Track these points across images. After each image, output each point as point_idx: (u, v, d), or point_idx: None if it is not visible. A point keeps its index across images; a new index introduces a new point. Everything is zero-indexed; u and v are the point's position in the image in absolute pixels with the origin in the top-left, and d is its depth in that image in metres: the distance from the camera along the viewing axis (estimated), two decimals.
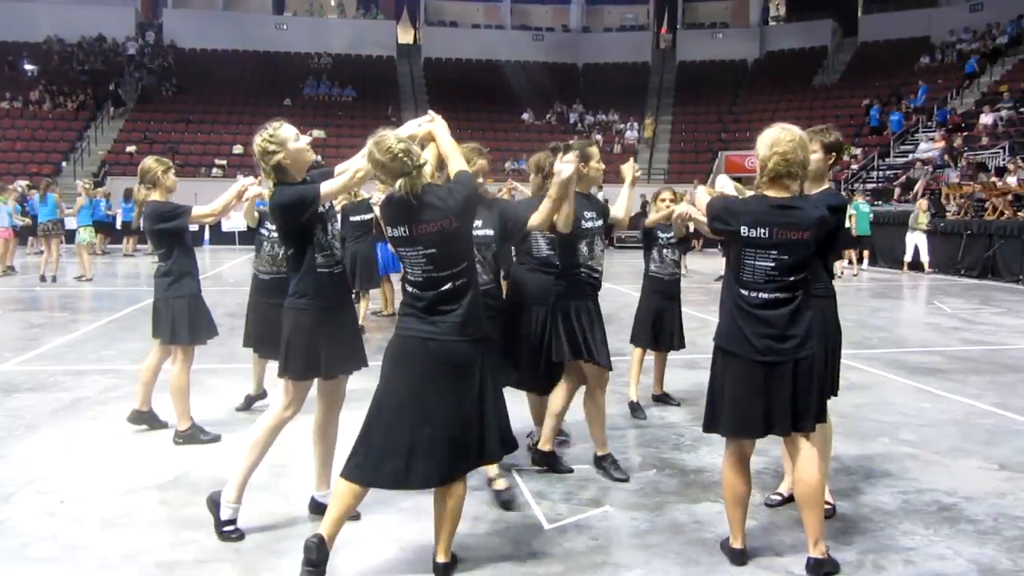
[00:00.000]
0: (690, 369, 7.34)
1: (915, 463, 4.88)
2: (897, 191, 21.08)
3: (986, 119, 22.53)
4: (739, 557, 3.51)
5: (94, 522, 3.91)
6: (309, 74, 33.63)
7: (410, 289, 3.28)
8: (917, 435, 5.44)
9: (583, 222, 4.37)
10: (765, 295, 3.32)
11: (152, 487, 4.38)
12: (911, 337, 9.44)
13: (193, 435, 5.14)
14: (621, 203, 4.79)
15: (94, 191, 16.80)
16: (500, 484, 4.21)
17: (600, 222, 4.54)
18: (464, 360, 3.21)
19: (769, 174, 3.34)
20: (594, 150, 4.54)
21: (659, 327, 6.04)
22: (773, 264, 3.30)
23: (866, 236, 17.95)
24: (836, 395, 4.03)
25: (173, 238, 5.14)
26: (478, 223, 3.99)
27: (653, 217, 5.86)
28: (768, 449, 4.81)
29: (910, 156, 23.41)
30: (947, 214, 17.98)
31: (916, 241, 17.47)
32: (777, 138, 3.32)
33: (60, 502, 4.15)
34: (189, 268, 5.22)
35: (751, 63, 35.53)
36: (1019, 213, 16.42)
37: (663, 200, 5.97)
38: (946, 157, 20.95)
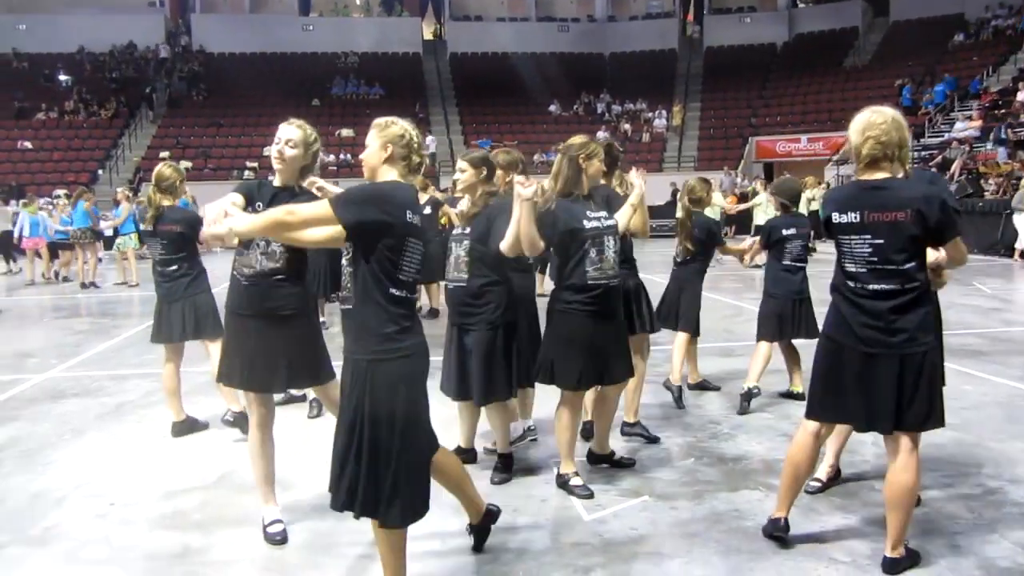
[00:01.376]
0: (725, 357, 7.31)
1: (958, 447, 4.82)
2: (933, 171, 20.72)
3: (1023, 96, 22.04)
4: (775, 525, 3.52)
5: (143, 523, 3.99)
6: (336, 74, 33.85)
7: (397, 293, 2.90)
8: (959, 418, 5.36)
9: (586, 222, 4.05)
10: (870, 285, 3.21)
11: (197, 488, 4.46)
12: (951, 319, 9.28)
13: (242, 421, 5.19)
14: (623, 214, 4.34)
15: (136, 198, 17.03)
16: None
17: (612, 221, 4.18)
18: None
19: (865, 160, 3.21)
20: (596, 148, 4.21)
21: (699, 315, 6.06)
22: (871, 249, 3.18)
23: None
24: (944, 384, 4.00)
25: (193, 244, 5.39)
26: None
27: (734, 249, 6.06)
28: None
29: (946, 135, 23.00)
30: (985, 193, 17.65)
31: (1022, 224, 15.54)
32: (870, 121, 3.20)
33: (110, 504, 4.24)
34: (202, 267, 5.48)
35: (780, 46, 35.09)
36: None
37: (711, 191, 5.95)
38: (1005, 133, 20.26)
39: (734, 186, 24.53)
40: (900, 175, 3.23)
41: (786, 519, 3.55)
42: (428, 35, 37.39)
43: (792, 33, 35.31)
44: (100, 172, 27.37)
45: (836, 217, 3.27)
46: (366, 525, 3.14)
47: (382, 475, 2.87)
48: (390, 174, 3.02)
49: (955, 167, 19.55)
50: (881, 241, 3.16)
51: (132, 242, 15.05)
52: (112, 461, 4.97)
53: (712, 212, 17.74)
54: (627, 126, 31.49)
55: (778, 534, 3.55)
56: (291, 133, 3.69)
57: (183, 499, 4.29)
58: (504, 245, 4.06)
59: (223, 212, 3.04)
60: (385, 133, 3.05)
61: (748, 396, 5.63)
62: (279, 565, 3.53)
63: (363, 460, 2.87)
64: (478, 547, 3.56)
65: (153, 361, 7.87)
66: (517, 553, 3.55)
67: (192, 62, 33.94)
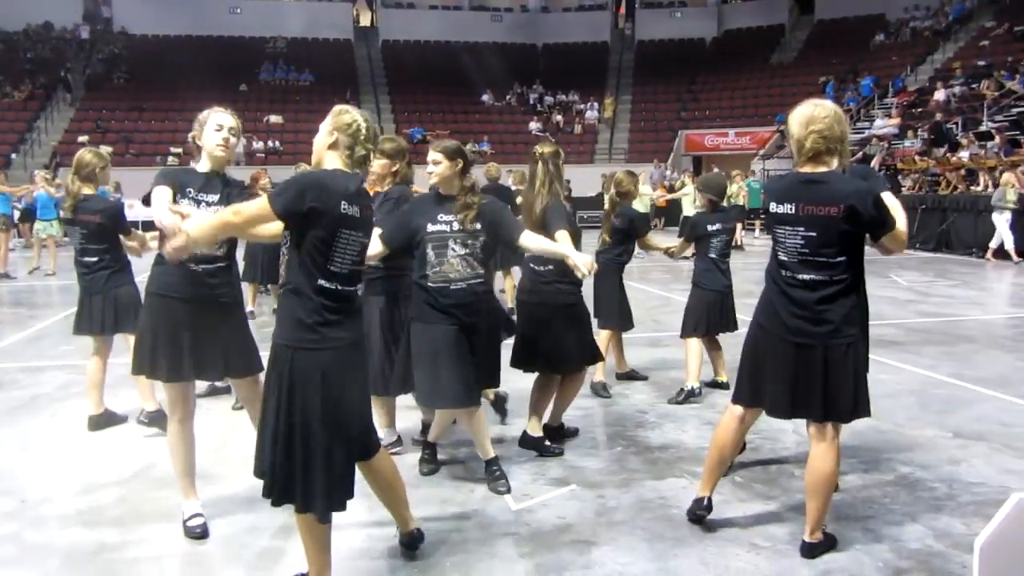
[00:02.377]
0: (653, 347, 7.41)
1: (874, 434, 4.98)
2: (868, 166, 21.37)
3: (939, 95, 22.89)
4: (699, 504, 3.60)
5: (56, 521, 3.86)
6: (265, 59, 33.13)
7: (327, 284, 2.86)
8: (875, 406, 5.45)
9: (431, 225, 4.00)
10: (800, 275, 3.26)
11: (114, 483, 4.33)
12: (869, 310, 9.59)
13: (157, 418, 5.06)
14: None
15: (54, 182, 16.38)
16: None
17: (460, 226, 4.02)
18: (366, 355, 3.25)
19: (808, 153, 3.24)
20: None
21: (626, 307, 6.10)
22: (803, 241, 3.23)
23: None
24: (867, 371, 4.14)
25: (116, 235, 5.18)
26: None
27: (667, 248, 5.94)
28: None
29: (866, 132, 23.74)
30: (903, 189, 18.28)
31: (1002, 224, 14.61)
32: (812, 115, 3.23)
33: (21, 502, 4.08)
34: (126, 260, 5.29)
35: (709, 42, 35.70)
36: (972, 187, 16.75)
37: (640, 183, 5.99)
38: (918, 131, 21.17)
39: (663, 178, 24.89)
40: (837, 168, 3.28)
41: (709, 499, 3.63)
42: (360, 21, 36.87)
43: (721, 29, 35.97)
44: (14, 156, 26.26)
45: (773, 207, 3.34)
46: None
47: (296, 463, 2.86)
48: (333, 162, 3.00)
49: (874, 163, 20.19)
50: (813, 234, 3.21)
51: (53, 229, 14.48)
52: (24, 456, 4.79)
53: (641, 204, 18.12)
54: (559, 117, 31.65)
55: (701, 513, 3.62)
56: (231, 121, 3.66)
57: (99, 495, 4.16)
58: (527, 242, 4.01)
59: (177, 224, 2.99)
60: (336, 120, 3.04)
61: (691, 394, 5.67)
62: (199, 560, 3.45)
63: (279, 446, 2.86)
64: (409, 555, 3.44)
65: (70, 353, 7.61)
66: (445, 544, 3.54)
67: (113, 44, 32.78)
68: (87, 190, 5.12)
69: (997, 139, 16.82)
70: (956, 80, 23.53)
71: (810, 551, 3.38)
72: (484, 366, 4.14)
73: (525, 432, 4.73)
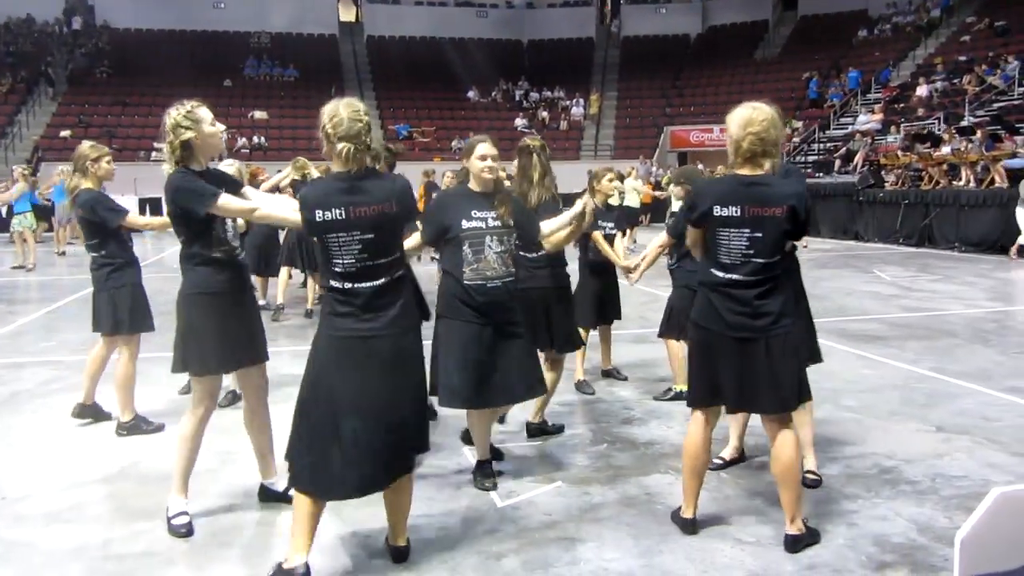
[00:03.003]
0: (639, 343, 7.42)
1: (857, 428, 5.01)
2: (837, 163, 21.51)
3: (921, 91, 23.05)
4: (690, 526, 3.58)
5: (38, 518, 3.83)
6: (249, 53, 32.94)
7: (337, 284, 3.06)
8: (858, 401, 5.59)
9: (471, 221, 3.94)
10: (742, 275, 3.32)
11: (97, 480, 4.30)
12: (852, 305, 9.66)
13: (136, 426, 5.07)
14: (550, 226, 4.21)
15: (32, 177, 16.25)
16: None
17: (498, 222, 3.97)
18: (408, 351, 3.16)
19: (744, 154, 3.32)
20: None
21: (601, 304, 6.08)
22: (748, 242, 3.30)
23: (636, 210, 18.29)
24: (821, 360, 4.22)
25: (107, 230, 5.03)
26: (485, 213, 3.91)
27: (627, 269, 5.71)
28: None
29: (849, 128, 23.87)
30: (886, 184, 18.39)
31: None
32: (750, 118, 3.30)
33: (2, 499, 4.05)
34: (128, 257, 5.14)
35: (694, 38, 35.78)
36: (954, 182, 16.88)
37: (611, 180, 5.94)
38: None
39: (649, 175, 24.94)
40: (769, 170, 3.36)
41: (694, 519, 3.60)
42: (345, 17, 36.70)
43: (705, 25, 36.05)
44: None
45: (717, 211, 3.35)
46: (274, 516, 3.09)
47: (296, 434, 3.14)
48: (333, 166, 3.14)
49: (858, 158, 20.32)
50: (759, 235, 3.30)
51: (28, 221, 14.36)
52: (5, 453, 4.75)
53: (632, 200, 18.12)
54: (545, 114, 31.65)
55: (687, 532, 3.58)
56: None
57: (82, 492, 4.13)
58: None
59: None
60: (321, 121, 3.10)
61: (679, 396, 5.62)
62: (183, 558, 3.43)
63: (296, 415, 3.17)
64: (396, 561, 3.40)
65: (51, 349, 7.56)
66: (432, 541, 3.54)
67: (97, 38, 32.48)
68: (85, 184, 4.97)
69: (979, 134, 16.95)
70: (938, 75, 23.70)
71: (793, 544, 3.40)
72: (523, 366, 4.06)
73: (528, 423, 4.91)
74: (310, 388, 3.10)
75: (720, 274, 3.37)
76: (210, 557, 3.43)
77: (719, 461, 4.36)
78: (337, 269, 3.03)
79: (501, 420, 5.10)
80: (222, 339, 3.60)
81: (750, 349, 3.35)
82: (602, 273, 6.05)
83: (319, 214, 3.00)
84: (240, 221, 3.85)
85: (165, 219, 4.82)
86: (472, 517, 3.80)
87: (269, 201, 3.72)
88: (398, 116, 30.49)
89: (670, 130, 30.10)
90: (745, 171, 3.36)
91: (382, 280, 3.07)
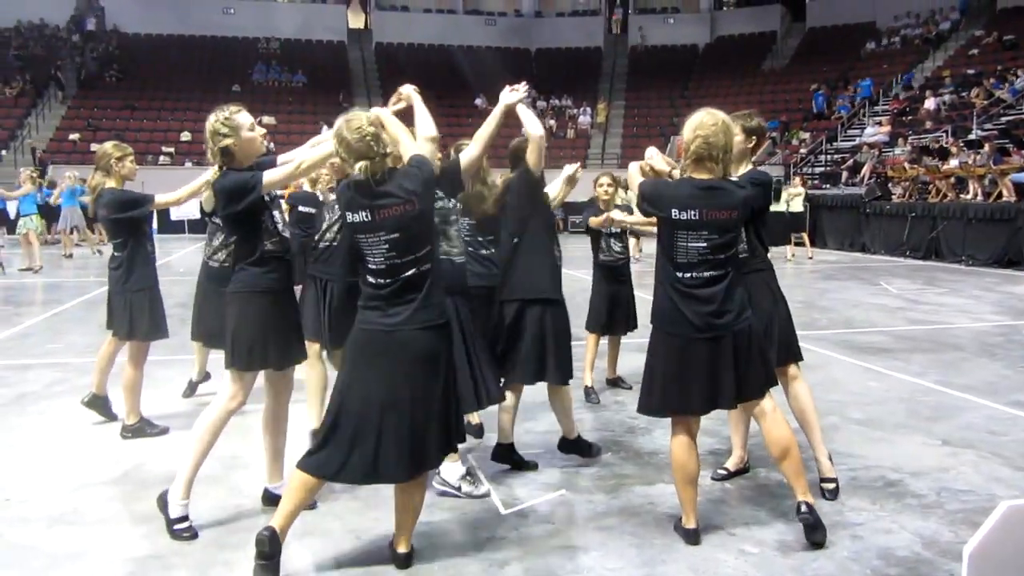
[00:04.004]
0: (643, 353, 7.40)
1: (863, 440, 4.99)
2: (845, 175, 21.49)
3: (929, 104, 23.02)
4: (693, 536, 3.57)
5: (42, 520, 3.83)
6: (258, 59, 33.04)
7: (370, 279, 3.21)
8: (864, 413, 5.57)
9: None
10: (701, 274, 3.42)
11: (101, 483, 4.30)
12: (858, 318, 9.64)
13: (140, 429, 5.08)
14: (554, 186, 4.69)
15: (40, 180, 16.30)
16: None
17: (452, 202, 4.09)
18: (431, 349, 3.20)
19: (692, 156, 3.46)
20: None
21: (612, 312, 6.10)
22: (705, 244, 3.40)
23: None
24: (803, 359, 4.21)
25: (132, 228, 5.03)
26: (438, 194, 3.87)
27: (596, 220, 5.74)
28: (719, 430, 4.90)
29: (857, 140, 23.84)
30: (893, 197, 18.36)
31: None
32: (701, 122, 3.43)
33: (5, 500, 4.05)
34: (146, 258, 5.12)
35: (702, 48, 35.82)
36: (961, 195, 16.84)
37: (601, 185, 6.05)
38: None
39: None
40: (719, 175, 3.46)
41: (697, 529, 3.59)
42: (354, 23, 36.83)
43: (714, 35, 36.08)
44: (4, 153, 26.13)
45: (676, 214, 3.41)
46: (265, 518, 3.09)
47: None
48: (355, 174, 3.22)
49: (865, 170, 20.30)
50: (716, 236, 3.41)
51: (33, 224, 14.38)
52: (10, 455, 4.76)
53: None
54: (552, 122, 31.65)
55: (690, 543, 3.58)
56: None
57: (86, 494, 4.13)
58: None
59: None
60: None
61: None
62: (186, 562, 3.42)
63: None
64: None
65: (57, 351, 7.58)
66: (434, 547, 3.53)
67: (106, 42, 32.64)
68: (110, 183, 4.98)
69: (986, 147, 16.92)
70: (946, 88, 23.67)
71: (811, 511, 3.48)
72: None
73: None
74: (346, 379, 3.22)
75: (679, 274, 3.45)
76: (214, 561, 3.43)
77: (723, 472, 4.36)
78: (371, 266, 3.20)
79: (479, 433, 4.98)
80: (267, 337, 3.67)
81: (717, 347, 3.42)
82: (614, 279, 6.08)
83: (349, 216, 3.21)
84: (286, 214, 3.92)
85: (192, 186, 4.88)
86: (475, 524, 3.79)
87: (303, 151, 3.79)
88: (405, 123, 30.20)
89: (677, 139, 30.01)
90: (699, 175, 3.46)
91: (409, 273, 3.18)
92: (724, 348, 3.43)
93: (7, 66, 29.75)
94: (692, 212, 3.39)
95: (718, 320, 3.42)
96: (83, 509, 3.95)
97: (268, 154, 3.98)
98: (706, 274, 3.42)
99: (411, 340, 3.17)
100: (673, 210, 3.41)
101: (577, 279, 12.05)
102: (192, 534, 3.61)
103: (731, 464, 4.39)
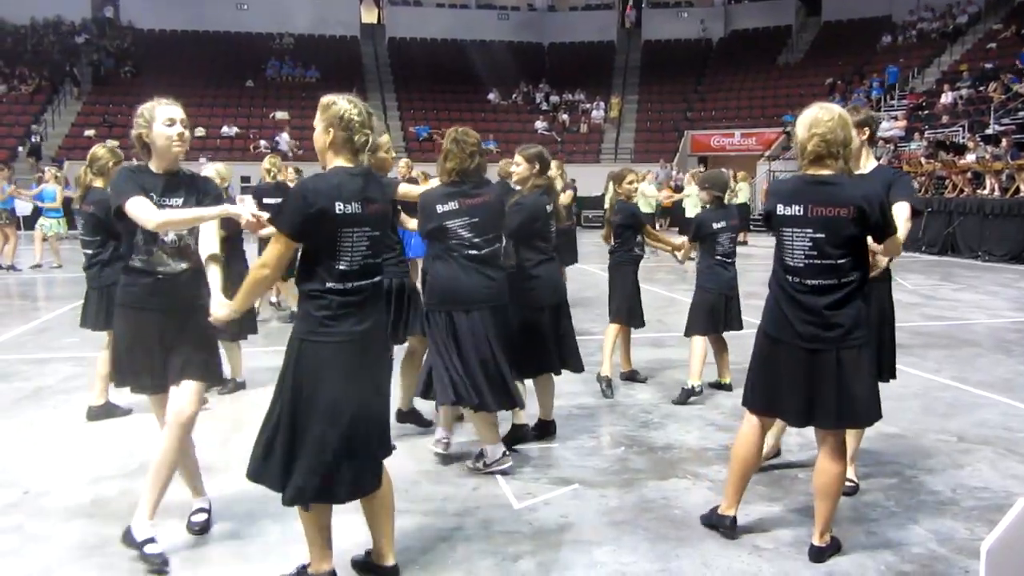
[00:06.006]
0: (656, 347, 7.40)
1: (877, 437, 4.96)
2: (897, 168, 21.33)
3: (946, 98, 22.83)
4: (729, 524, 3.55)
5: (59, 513, 3.86)
6: (271, 55, 33.11)
7: (344, 285, 2.91)
8: None
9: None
10: (810, 281, 3.25)
11: (118, 475, 4.33)
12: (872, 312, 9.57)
13: (108, 410, 5.33)
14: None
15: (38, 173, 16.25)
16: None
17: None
18: (386, 351, 3.20)
19: (809, 156, 3.26)
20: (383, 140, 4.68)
21: (636, 303, 6.13)
22: (811, 243, 3.22)
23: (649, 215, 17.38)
24: (895, 378, 4.10)
25: (112, 229, 5.08)
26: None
27: (684, 252, 5.94)
28: (733, 425, 4.88)
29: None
30: None
31: None
32: (816, 118, 3.25)
33: (24, 493, 4.09)
34: (120, 256, 5.17)
35: (716, 42, 35.63)
36: (978, 191, 16.70)
37: (631, 183, 6.05)
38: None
39: (669, 179, 24.86)
40: (839, 171, 3.27)
41: (735, 517, 3.58)
42: (367, 18, 36.85)
43: (728, 29, 35.89)
44: (20, 149, 26.29)
45: (780, 209, 3.30)
46: (294, 514, 3.10)
47: (289, 451, 2.90)
48: (335, 161, 2.99)
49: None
50: (822, 235, 3.21)
51: (59, 227, 14.28)
52: (27, 448, 4.80)
53: (646, 204, 18.07)
54: (565, 116, 31.61)
55: (724, 531, 3.57)
56: (181, 112, 3.46)
57: (102, 487, 4.16)
58: None
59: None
60: (326, 115, 3.00)
61: (691, 393, 5.67)
62: (201, 556, 3.45)
63: (273, 425, 2.94)
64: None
65: (75, 345, 7.62)
66: (447, 542, 3.54)
67: (121, 38, 32.79)
68: (98, 183, 5.15)
69: (1004, 142, 16.77)
70: (963, 83, 23.46)
71: (818, 555, 3.37)
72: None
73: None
74: (307, 403, 2.89)
75: (787, 276, 3.31)
76: (229, 553, 3.45)
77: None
78: (342, 267, 2.90)
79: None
80: (132, 355, 3.42)
81: (820, 361, 3.26)
82: (636, 273, 6.16)
83: (339, 206, 2.86)
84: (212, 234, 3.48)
85: (186, 215, 4.74)
86: (488, 518, 3.80)
87: (177, 211, 3.34)
88: (418, 118, 30.56)
89: (691, 134, 29.99)
90: (812, 171, 3.29)
91: (377, 278, 3.07)
92: (827, 364, 3.24)
93: (24, 63, 29.89)
94: (797, 207, 3.24)
95: (826, 333, 3.23)
96: (100, 501, 3.98)
97: (215, 194, 3.62)
98: (814, 281, 3.23)
99: (381, 342, 3.15)
100: (779, 205, 3.30)
101: (589, 273, 12.05)
102: (204, 527, 3.59)
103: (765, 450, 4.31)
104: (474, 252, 4.16)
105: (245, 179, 21.69)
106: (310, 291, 2.91)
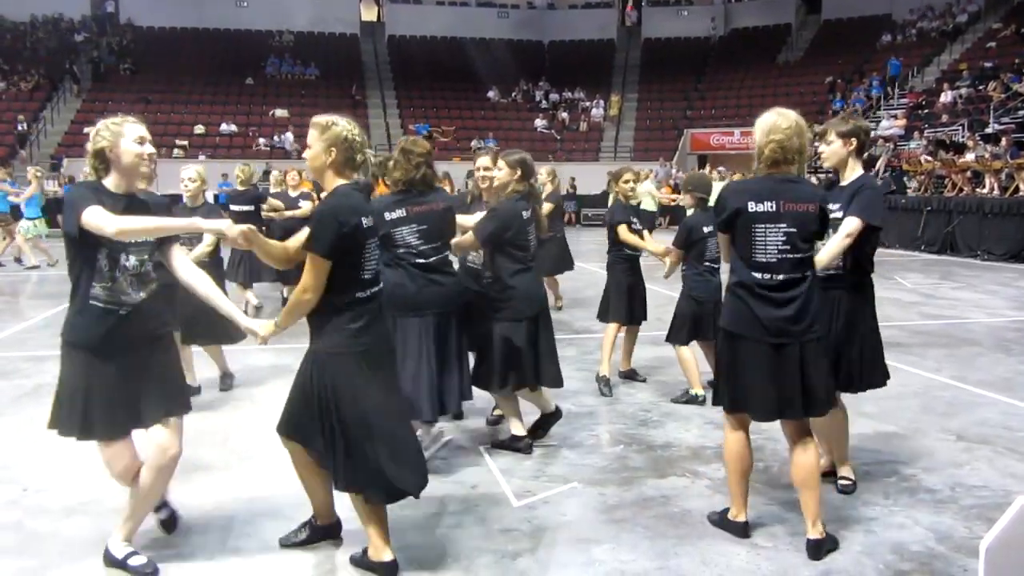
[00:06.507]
0: (656, 345, 7.39)
1: (876, 435, 4.98)
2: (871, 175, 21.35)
3: (946, 97, 22.83)
4: (743, 530, 3.56)
5: (59, 510, 3.87)
6: (271, 52, 33.10)
7: (367, 292, 3.08)
8: (878, 407, 5.53)
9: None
10: (782, 276, 3.30)
11: None
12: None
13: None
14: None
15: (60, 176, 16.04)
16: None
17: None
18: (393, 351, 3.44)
19: (766, 161, 3.35)
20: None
21: (633, 302, 6.11)
22: (784, 238, 3.29)
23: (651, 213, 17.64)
24: (889, 378, 4.10)
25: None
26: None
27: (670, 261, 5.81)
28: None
29: (872, 134, 23.67)
30: (908, 190, 18.23)
31: None
32: (775, 124, 3.32)
33: (23, 490, 4.10)
34: None
35: (715, 40, 35.63)
36: (977, 189, 16.70)
37: (627, 182, 6.03)
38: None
39: (669, 177, 24.87)
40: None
41: (747, 522, 3.58)
42: (366, 16, 36.82)
43: (727, 27, 35.87)
44: (21, 151, 26.25)
45: (752, 206, 3.33)
46: (288, 510, 3.11)
47: (345, 451, 3.10)
48: (338, 180, 3.07)
49: (880, 164, 20.16)
50: (793, 230, 3.31)
51: (37, 229, 13.87)
52: (27, 445, 4.81)
53: (649, 203, 18.06)
54: (565, 115, 31.60)
55: (741, 536, 3.56)
56: (145, 130, 3.30)
57: (102, 484, 4.14)
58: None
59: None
60: (327, 136, 3.05)
61: (695, 400, 5.64)
62: (201, 551, 3.46)
63: (331, 438, 3.10)
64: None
65: None
66: (446, 539, 3.55)
67: (120, 35, 32.76)
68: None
69: (1003, 141, 16.77)
70: (963, 82, 23.45)
71: (816, 548, 3.37)
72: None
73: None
74: (355, 412, 3.04)
75: (758, 275, 3.33)
76: (227, 550, 3.46)
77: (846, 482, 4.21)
78: (366, 276, 3.08)
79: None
80: (99, 400, 3.19)
81: (784, 354, 3.32)
82: (635, 271, 6.17)
83: (365, 221, 3.05)
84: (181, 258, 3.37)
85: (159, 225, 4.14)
86: (487, 516, 3.80)
87: (136, 218, 3.07)
88: (418, 116, 30.55)
89: (690, 132, 29.98)
90: (774, 172, 3.38)
91: (381, 282, 3.25)
92: (791, 357, 3.31)
93: (23, 60, 29.87)
94: (769, 203, 3.30)
95: (792, 327, 3.30)
96: (100, 498, 3.98)
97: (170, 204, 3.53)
98: (784, 276, 3.30)
99: (393, 346, 3.44)
100: (750, 202, 3.32)
101: (589, 272, 12.04)
102: (155, 569, 3.29)
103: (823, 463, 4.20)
104: (421, 260, 4.19)
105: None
106: (345, 303, 3.01)
